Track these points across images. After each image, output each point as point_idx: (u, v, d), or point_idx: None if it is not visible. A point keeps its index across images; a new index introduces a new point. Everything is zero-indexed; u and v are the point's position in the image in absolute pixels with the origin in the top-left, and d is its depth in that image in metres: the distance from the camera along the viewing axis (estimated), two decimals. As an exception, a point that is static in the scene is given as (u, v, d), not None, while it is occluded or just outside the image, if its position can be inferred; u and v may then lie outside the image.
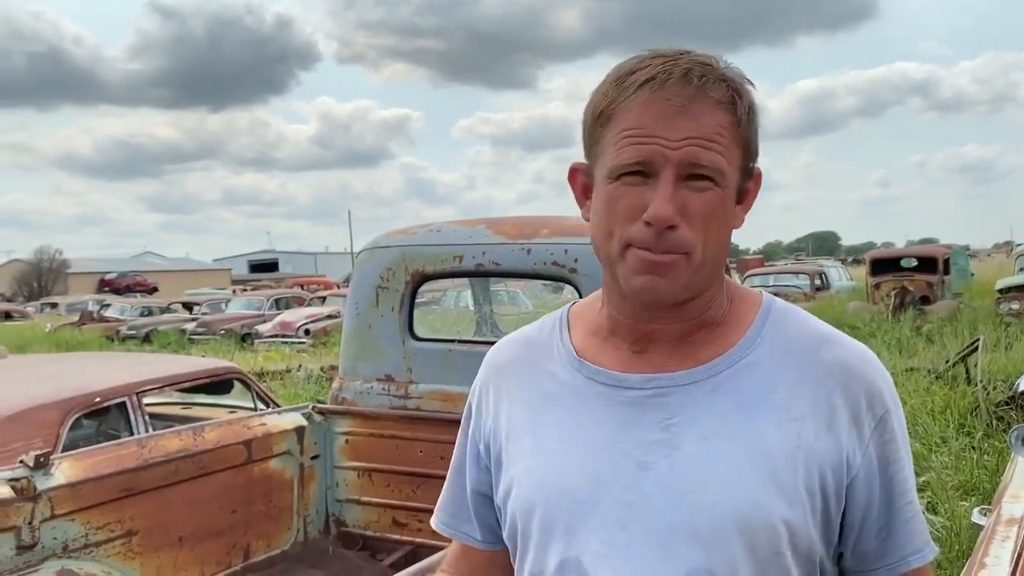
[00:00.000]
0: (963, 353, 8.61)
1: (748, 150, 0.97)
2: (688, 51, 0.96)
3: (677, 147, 0.92)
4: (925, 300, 15.82)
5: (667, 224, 0.92)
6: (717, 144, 0.93)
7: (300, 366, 11.96)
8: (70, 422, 3.50)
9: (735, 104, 0.94)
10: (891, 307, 15.17)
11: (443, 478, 4.02)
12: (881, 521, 0.99)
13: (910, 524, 1.00)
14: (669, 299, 0.98)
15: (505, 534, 1.09)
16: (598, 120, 0.97)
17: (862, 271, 20.65)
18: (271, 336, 18.76)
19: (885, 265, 17.72)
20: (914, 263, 17.50)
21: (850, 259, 56.02)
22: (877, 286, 16.79)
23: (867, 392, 0.98)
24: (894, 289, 16.04)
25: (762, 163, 1.03)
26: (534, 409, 1.06)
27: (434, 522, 1.24)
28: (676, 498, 0.94)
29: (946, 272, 16.87)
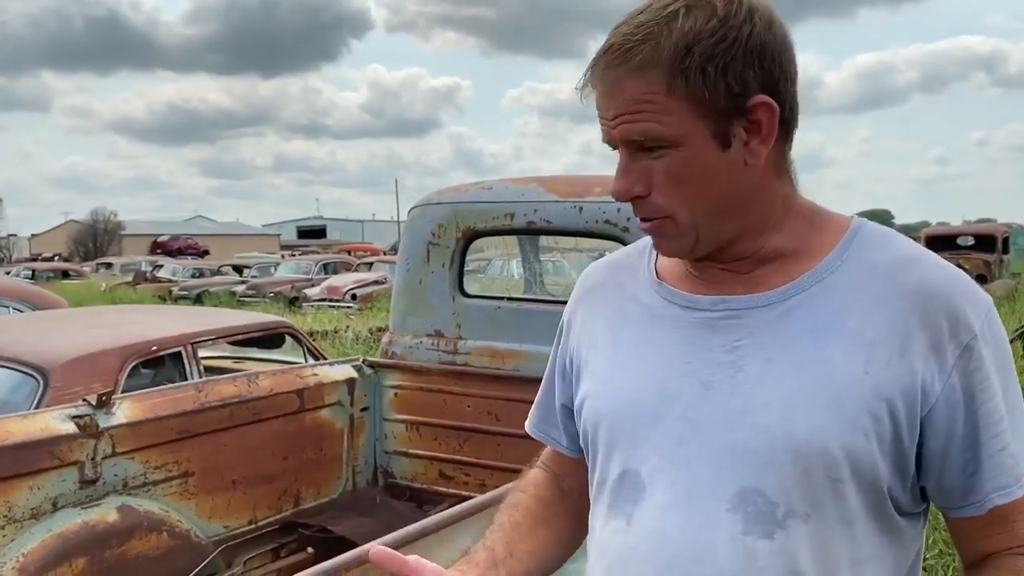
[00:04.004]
0: (1020, 331, 8.45)
1: (701, 99, 0.91)
2: (641, 10, 0.94)
3: (614, 126, 0.95)
4: (981, 279, 15.42)
5: (624, 199, 0.98)
6: (645, 112, 0.93)
7: (348, 327, 12.13)
8: (128, 368, 3.61)
9: (660, 64, 0.91)
10: (945, 285, 14.84)
11: (490, 433, 4.04)
12: (967, 455, 0.94)
13: (996, 459, 0.94)
14: (681, 255, 1.03)
15: (580, 442, 1.14)
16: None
17: (916, 249, 20.18)
18: (319, 300, 19.01)
19: (940, 243, 17.30)
20: (971, 241, 17.09)
21: (903, 238, 54.73)
22: (931, 264, 16.44)
23: (950, 317, 0.93)
24: (949, 267, 15.70)
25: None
26: (613, 328, 1.10)
27: (527, 426, 1.30)
28: (734, 418, 0.95)
29: (1005, 251, 16.46)
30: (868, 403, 0.92)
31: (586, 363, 1.13)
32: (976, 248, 16.67)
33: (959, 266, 0.92)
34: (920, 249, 1.01)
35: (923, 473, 0.97)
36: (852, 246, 1.00)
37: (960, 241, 17.30)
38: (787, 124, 0.97)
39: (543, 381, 1.27)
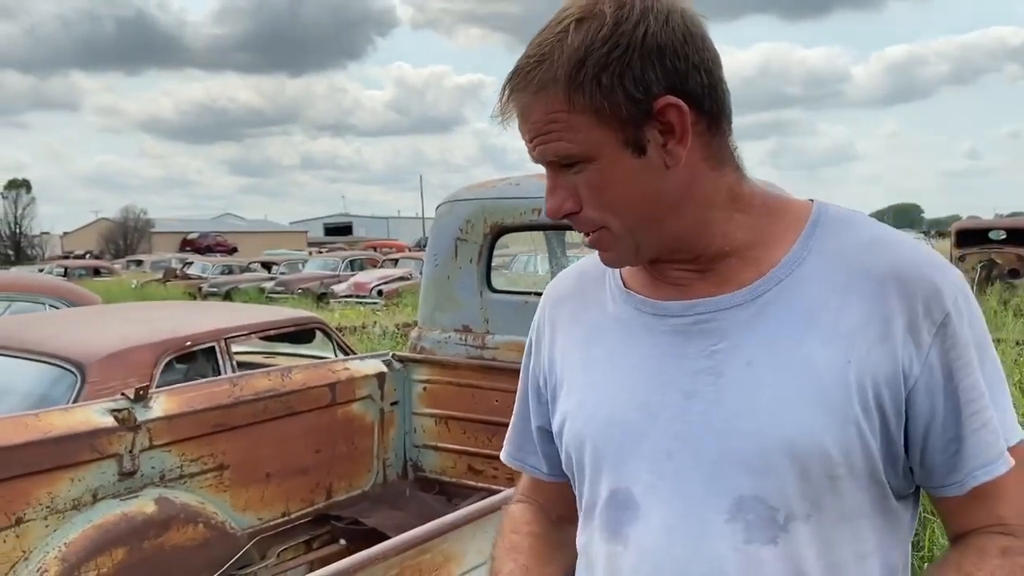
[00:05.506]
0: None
1: (601, 110, 0.90)
2: (542, 29, 0.94)
3: (532, 148, 0.96)
4: (1014, 273, 15.22)
5: (557, 217, 0.97)
6: (553, 132, 0.93)
7: (375, 323, 12.22)
8: (163, 363, 3.65)
9: (558, 81, 0.90)
10: (977, 280, 14.64)
11: (519, 427, 4.01)
12: (949, 434, 0.93)
13: (978, 435, 0.92)
14: (627, 264, 1.03)
15: (564, 466, 1.11)
16: None
17: (945, 244, 19.91)
18: (346, 296, 19.19)
19: (972, 237, 17.08)
20: (1003, 235, 16.83)
21: (933, 232, 54.31)
22: (962, 258, 16.18)
23: (924, 296, 0.91)
24: (980, 262, 15.45)
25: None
26: (585, 342, 1.07)
27: (503, 455, 1.27)
28: (722, 426, 0.93)
29: (1037, 245, 16.18)
30: (856, 396, 0.91)
31: (561, 382, 1.09)
32: (1009, 242, 16.40)
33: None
34: (885, 229, 0.99)
35: (908, 454, 0.96)
36: (816, 233, 0.98)
37: (992, 235, 17.03)
38: (712, 113, 0.94)
39: (515, 405, 1.23)
